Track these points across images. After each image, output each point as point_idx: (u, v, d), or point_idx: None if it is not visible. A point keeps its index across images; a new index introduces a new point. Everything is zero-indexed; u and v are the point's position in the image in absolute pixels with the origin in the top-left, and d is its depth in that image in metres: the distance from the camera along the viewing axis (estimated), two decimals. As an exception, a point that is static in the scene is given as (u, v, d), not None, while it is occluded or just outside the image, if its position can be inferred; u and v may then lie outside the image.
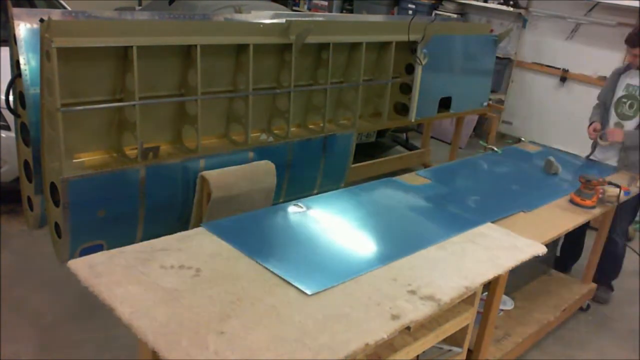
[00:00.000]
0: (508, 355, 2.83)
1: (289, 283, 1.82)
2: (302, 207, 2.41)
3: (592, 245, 3.57)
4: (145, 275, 1.78)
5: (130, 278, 1.76)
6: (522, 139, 4.08)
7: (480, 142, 4.22)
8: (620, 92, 3.53)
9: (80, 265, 1.79)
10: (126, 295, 1.66)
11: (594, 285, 3.61)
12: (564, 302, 3.32)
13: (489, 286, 2.41)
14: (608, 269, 3.65)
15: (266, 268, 1.90)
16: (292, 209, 2.40)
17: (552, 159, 3.33)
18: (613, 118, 3.55)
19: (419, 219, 2.49)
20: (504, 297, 2.47)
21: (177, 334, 1.52)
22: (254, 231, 2.18)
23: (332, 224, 2.33)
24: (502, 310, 3.04)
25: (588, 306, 3.59)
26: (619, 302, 3.73)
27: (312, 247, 2.10)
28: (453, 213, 2.57)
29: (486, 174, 3.30)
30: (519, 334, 2.95)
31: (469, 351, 2.59)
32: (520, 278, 3.28)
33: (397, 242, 2.22)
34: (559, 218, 2.72)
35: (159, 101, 2.77)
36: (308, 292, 1.79)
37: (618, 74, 3.61)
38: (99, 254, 1.88)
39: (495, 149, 3.62)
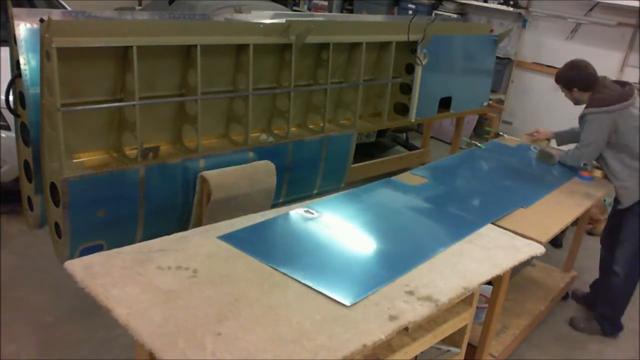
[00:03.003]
0: (508, 348, 2.87)
1: (324, 295, 1.80)
2: (313, 213, 2.40)
3: (573, 233, 3.69)
4: (142, 276, 1.78)
5: (127, 279, 1.76)
6: (501, 133, 4.10)
7: (463, 138, 4.23)
8: None
9: (77, 266, 1.79)
10: (123, 296, 1.66)
11: (574, 273, 3.70)
12: (551, 291, 3.42)
13: (493, 282, 2.42)
14: (606, 303, 3.34)
15: (299, 281, 1.86)
16: (305, 214, 2.39)
17: (548, 150, 3.37)
18: None
19: (425, 223, 2.48)
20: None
21: (174, 335, 1.52)
22: (272, 240, 2.17)
23: (346, 230, 2.32)
24: None
25: (567, 295, 3.66)
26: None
27: (334, 256, 2.09)
28: (455, 215, 2.57)
29: (479, 170, 3.32)
30: (515, 325, 3.00)
31: (473, 347, 2.60)
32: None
33: (409, 251, 2.19)
34: (558, 212, 2.76)
35: (159, 101, 2.77)
36: (347, 303, 1.77)
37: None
38: (96, 254, 1.88)
39: (478, 144, 3.66)
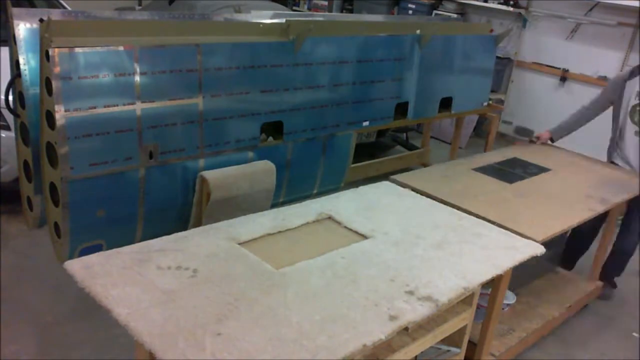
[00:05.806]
0: (512, 349, 2.84)
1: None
2: None
3: (599, 242, 3.56)
4: (141, 276, 1.78)
5: (126, 279, 1.76)
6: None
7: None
8: (634, 99, 3.39)
9: (76, 266, 1.79)
10: (123, 296, 1.66)
11: (599, 283, 3.60)
12: (569, 299, 3.31)
13: (493, 282, 2.41)
14: (612, 265, 3.64)
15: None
16: None
17: None
18: (630, 127, 3.42)
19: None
20: (506, 291, 2.50)
21: (173, 335, 1.52)
22: None
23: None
24: (507, 305, 3.04)
25: (585, 305, 3.59)
26: (619, 302, 3.73)
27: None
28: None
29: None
30: (523, 329, 2.96)
31: (473, 345, 2.59)
32: (526, 275, 3.26)
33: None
34: (565, 214, 2.73)
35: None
36: None
37: (623, 80, 3.47)
38: (96, 254, 1.88)
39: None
